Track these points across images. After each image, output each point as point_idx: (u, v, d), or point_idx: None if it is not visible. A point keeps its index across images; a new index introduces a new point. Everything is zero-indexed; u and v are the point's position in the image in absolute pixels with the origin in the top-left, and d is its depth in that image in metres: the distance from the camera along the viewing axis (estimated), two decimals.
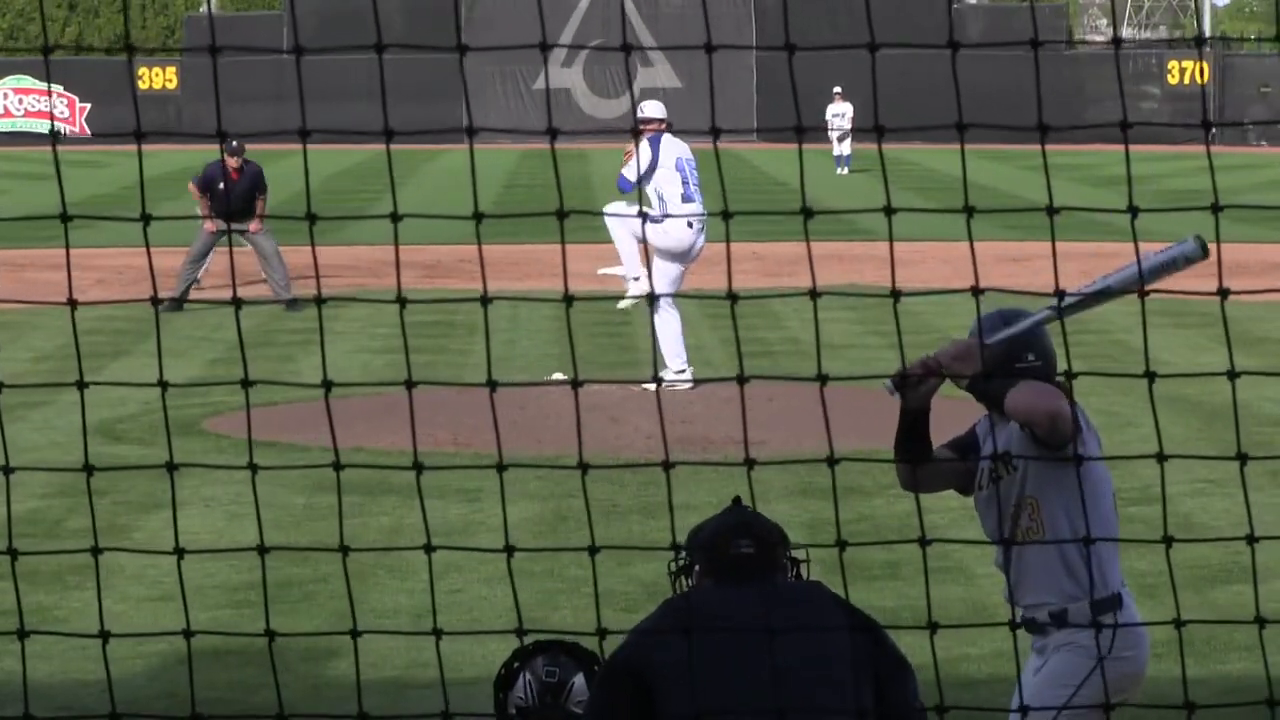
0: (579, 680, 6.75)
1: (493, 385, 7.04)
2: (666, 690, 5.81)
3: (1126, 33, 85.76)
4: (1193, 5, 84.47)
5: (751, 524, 6.11)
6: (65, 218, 5.72)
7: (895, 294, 5.96)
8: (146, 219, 6.41)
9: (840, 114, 56.54)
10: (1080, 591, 7.77)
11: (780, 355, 21.14)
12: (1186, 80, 69.78)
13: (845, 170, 56.26)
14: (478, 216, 5.92)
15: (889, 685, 5.88)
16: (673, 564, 6.53)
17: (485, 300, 5.98)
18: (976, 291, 5.90)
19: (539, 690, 6.76)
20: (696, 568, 6.11)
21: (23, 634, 5.78)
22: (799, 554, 6.12)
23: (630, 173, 20.43)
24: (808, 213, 5.98)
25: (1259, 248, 28.08)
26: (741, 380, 5.99)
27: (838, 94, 56.66)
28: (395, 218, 5.85)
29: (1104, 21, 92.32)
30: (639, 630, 6.12)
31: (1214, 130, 61.34)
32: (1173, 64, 68.33)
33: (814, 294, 5.87)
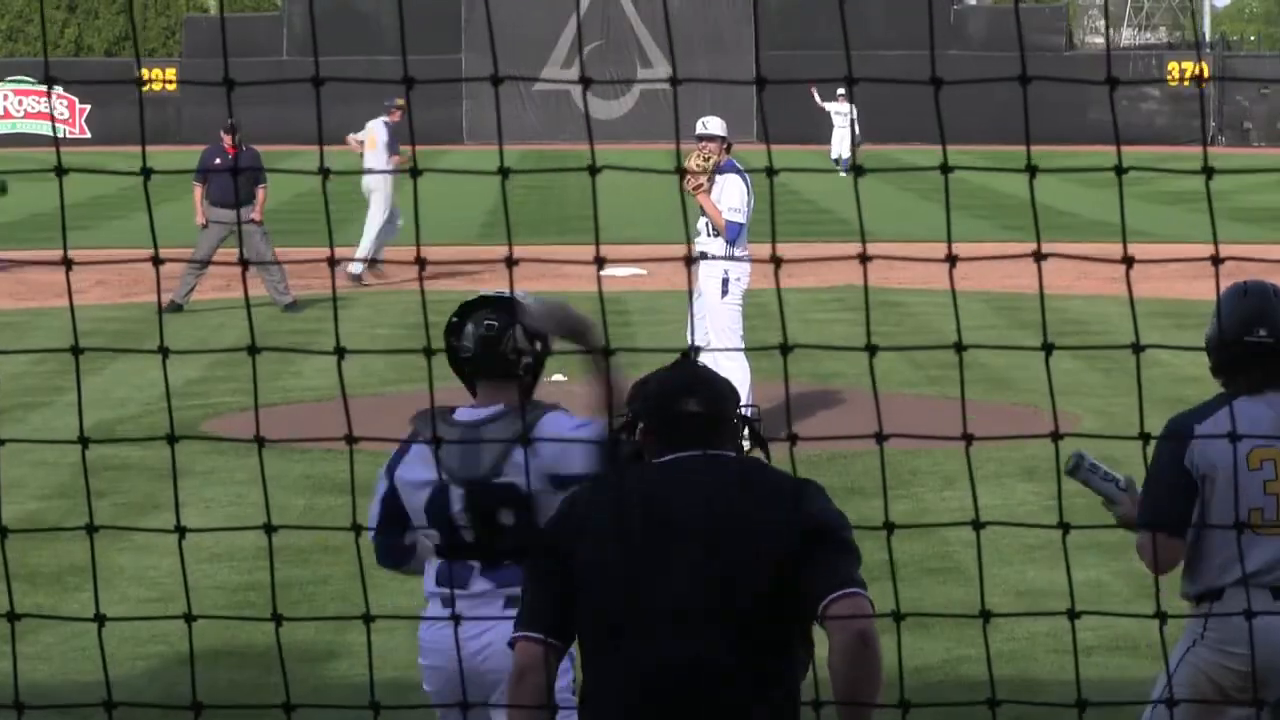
0: (516, 330, 7.46)
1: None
2: (574, 557, 5.71)
3: (1126, 34, 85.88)
4: (1192, 6, 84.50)
5: (700, 380, 5.95)
6: (64, 222, 5.71)
7: (959, 347, 5.96)
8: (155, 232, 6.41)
9: (842, 113, 56.55)
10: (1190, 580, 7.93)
11: (779, 356, 21.07)
12: (1181, 81, 69.86)
13: (844, 171, 56.51)
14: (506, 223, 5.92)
15: (814, 569, 5.59)
16: (619, 416, 6.39)
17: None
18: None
19: (479, 339, 7.50)
20: (640, 425, 5.92)
21: (13, 617, 5.78)
22: (749, 410, 5.92)
23: (737, 212, 18.53)
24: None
25: (1268, 248, 28.11)
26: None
27: (840, 95, 56.77)
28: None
29: (1104, 22, 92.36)
30: (561, 514, 6.00)
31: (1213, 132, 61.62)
32: (1172, 65, 68.42)
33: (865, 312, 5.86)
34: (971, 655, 9.67)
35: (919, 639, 6.97)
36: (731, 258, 18.37)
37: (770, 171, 5.30)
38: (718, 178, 18.62)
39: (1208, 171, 5.31)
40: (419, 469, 7.38)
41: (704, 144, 18.96)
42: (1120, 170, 5.39)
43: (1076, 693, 5.26)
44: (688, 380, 5.92)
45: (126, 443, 15.70)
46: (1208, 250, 6.40)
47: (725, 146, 19.01)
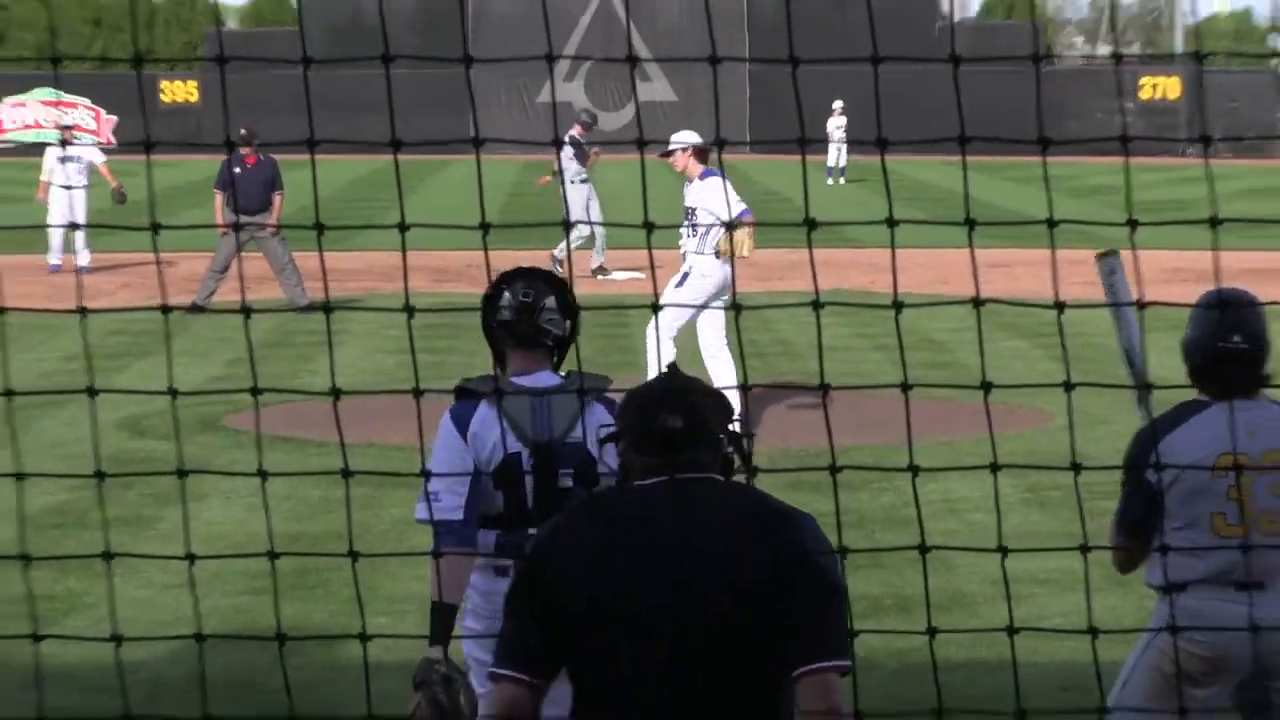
0: (549, 300, 7.70)
1: (500, 391, 7.22)
2: (556, 588, 5.42)
3: (1102, 50, 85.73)
4: (1166, 22, 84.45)
5: (682, 394, 5.62)
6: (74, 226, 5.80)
7: (897, 305, 5.94)
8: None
9: (839, 126, 57.00)
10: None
11: (771, 357, 21.26)
12: (1158, 95, 69.92)
13: (840, 180, 56.59)
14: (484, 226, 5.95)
15: (798, 621, 5.31)
16: (602, 429, 6.35)
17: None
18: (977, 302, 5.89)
19: (517, 307, 7.65)
20: (622, 440, 5.66)
21: (108, 555, 5.84)
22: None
23: (736, 203, 19.43)
24: (811, 223, 5.98)
25: (1242, 255, 28.12)
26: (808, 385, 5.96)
27: (837, 108, 57.09)
28: (403, 226, 5.88)
29: (1080, 39, 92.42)
30: (541, 541, 5.75)
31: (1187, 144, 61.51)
32: (1145, 80, 68.46)
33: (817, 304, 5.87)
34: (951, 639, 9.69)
35: (901, 622, 7.00)
36: (700, 253, 18.92)
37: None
38: (698, 183, 19.38)
39: (1192, 177, 5.35)
40: (491, 429, 7.37)
41: (674, 157, 19.59)
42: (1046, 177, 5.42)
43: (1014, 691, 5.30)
44: (670, 394, 5.65)
45: (152, 437, 15.78)
46: (1176, 257, 6.47)
47: (700, 155, 19.50)
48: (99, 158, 35.09)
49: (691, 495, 5.51)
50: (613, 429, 5.82)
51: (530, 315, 7.70)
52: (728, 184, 17.92)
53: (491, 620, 6.93)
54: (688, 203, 19.54)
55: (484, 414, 7.39)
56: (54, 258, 33.02)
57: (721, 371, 18.80)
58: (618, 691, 5.47)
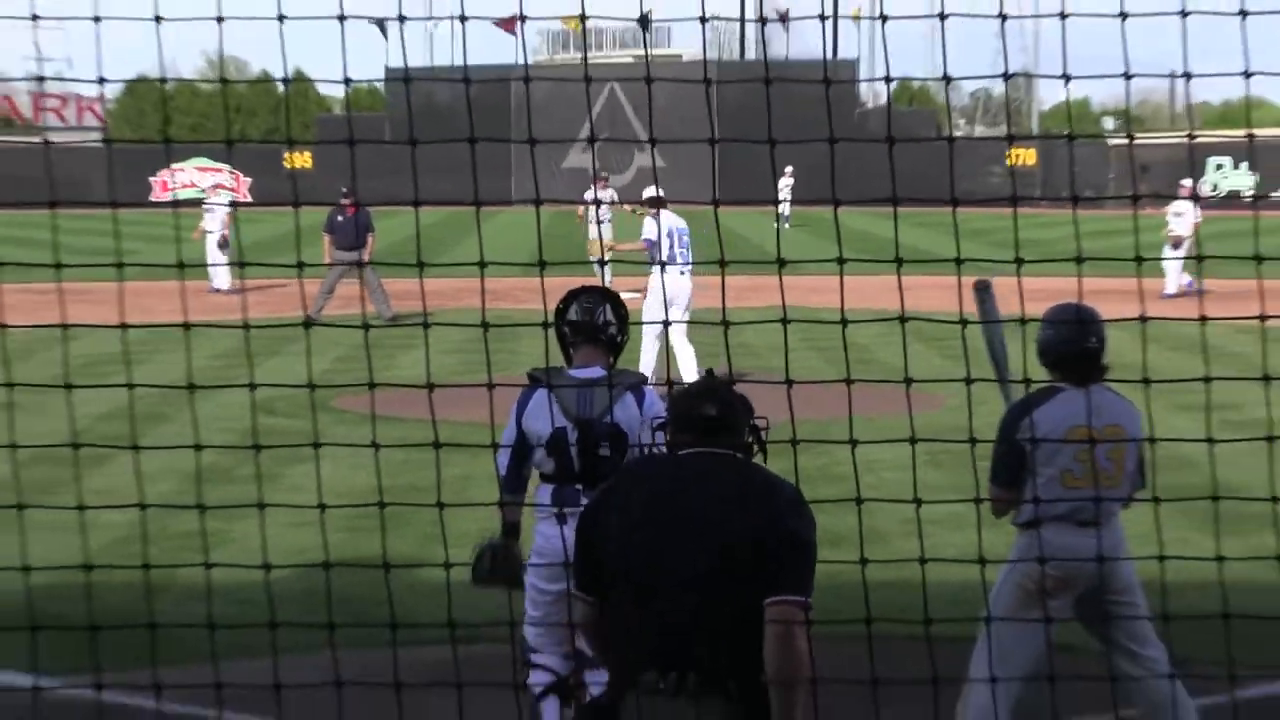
0: (606, 309, 7.89)
1: (550, 384, 7.23)
2: (607, 543, 5.52)
3: (979, 129, 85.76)
4: (1024, 108, 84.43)
5: (717, 391, 5.72)
6: (242, 264, 5.82)
7: (843, 320, 5.92)
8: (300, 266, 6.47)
9: (786, 185, 57.44)
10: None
11: (736, 356, 21.15)
12: (1020, 162, 69.90)
13: (786, 225, 56.62)
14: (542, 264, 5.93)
15: (774, 569, 5.34)
16: (653, 421, 6.42)
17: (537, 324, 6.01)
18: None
19: (581, 313, 7.86)
20: (669, 423, 5.74)
21: (261, 506, 5.83)
22: (760, 422, 5.72)
23: (650, 234, 20.84)
24: (781, 262, 5.96)
25: (1087, 280, 27.96)
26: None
27: (787, 171, 57.48)
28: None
29: (962, 120, 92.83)
30: (599, 497, 5.87)
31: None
32: (1010, 151, 68.53)
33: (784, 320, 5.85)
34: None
35: (834, 554, 6.96)
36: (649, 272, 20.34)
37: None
38: (648, 220, 21.01)
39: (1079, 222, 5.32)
40: (546, 409, 7.49)
41: (641, 205, 21.96)
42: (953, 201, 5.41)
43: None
44: (708, 390, 5.76)
45: (278, 415, 15.72)
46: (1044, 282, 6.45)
47: (656, 203, 20.39)
48: (223, 210, 35.41)
49: (714, 467, 5.57)
50: (663, 419, 5.86)
51: (591, 319, 7.86)
52: (658, 221, 19.81)
53: (551, 558, 7.04)
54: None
55: (539, 398, 7.59)
56: (213, 283, 33.35)
57: (685, 363, 19.60)
58: (641, 615, 5.46)
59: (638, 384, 7.77)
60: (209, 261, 33.24)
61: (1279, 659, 7.88)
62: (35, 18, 6.71)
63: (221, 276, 33.33)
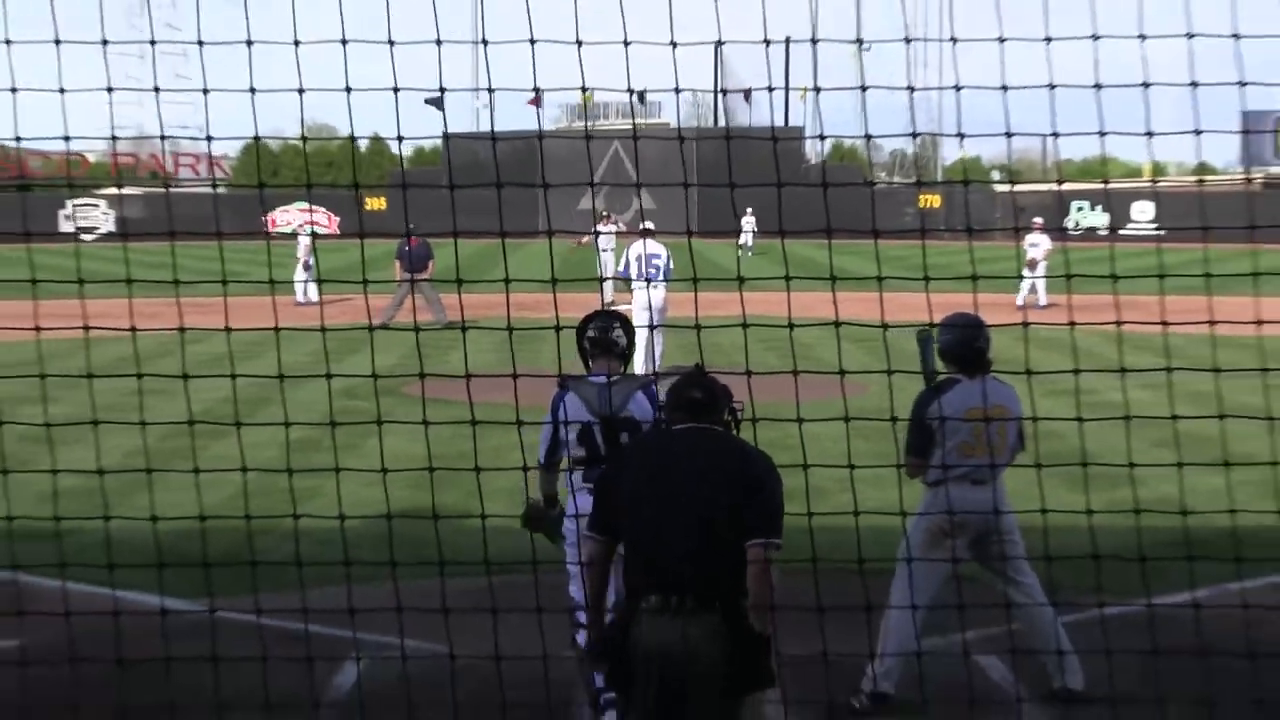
0: (617, 327, 7.65)
1: (564, 378, 7.27)
2: (619, 495, 5.55)
3: (896, 179, 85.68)
4: (930, 163, 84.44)
5: (702, 380, 5.72)
6: (321, 280, 5.77)
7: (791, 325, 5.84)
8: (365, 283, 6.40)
9: (749, 222, 57.50)
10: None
11: (707, 353, 21.18)
12: (926, 205, 69.71)
13: (749, 254, 56.52)
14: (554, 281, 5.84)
15: (750, 517, 5.36)
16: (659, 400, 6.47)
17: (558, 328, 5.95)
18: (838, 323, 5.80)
19: (598, 331, 7.61)
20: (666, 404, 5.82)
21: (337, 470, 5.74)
22: (736, 404, 5.85)
23: (622, 265, 21.89)
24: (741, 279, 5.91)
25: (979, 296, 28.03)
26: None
27: (749, 211, 57.52)
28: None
29: (883, 173, 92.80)
30: (608, 466, 5.96)
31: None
32: (919, 196, 68.43)
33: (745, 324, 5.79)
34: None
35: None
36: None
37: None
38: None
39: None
40: (576, 408, 7.36)
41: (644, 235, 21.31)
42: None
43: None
44: (693, 380, 5.74)
45: (358, 398, 15.58)
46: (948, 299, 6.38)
47: (646, 234, 21.17)
48: (306, 241, 35.73)
49: (702, 438, 5.59)
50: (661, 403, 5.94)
51: (606, 335, 7.62)
52: (628, 253, 21.46)
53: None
54: None
55: (571, 397, 7.46)
56: (297, 297, 33.53)
57: (657, 349, 20.34)
58: (648, 552, 5.47)
59: (646, 384, 7.67)
60: (295, 279, 33.60)
61: (1127, 587, 7.79)
62: (156, 89, 6.61)
63: (303, 292, 33.52)
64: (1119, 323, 6.63)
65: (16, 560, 8.18)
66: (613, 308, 8.44)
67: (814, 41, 22.44)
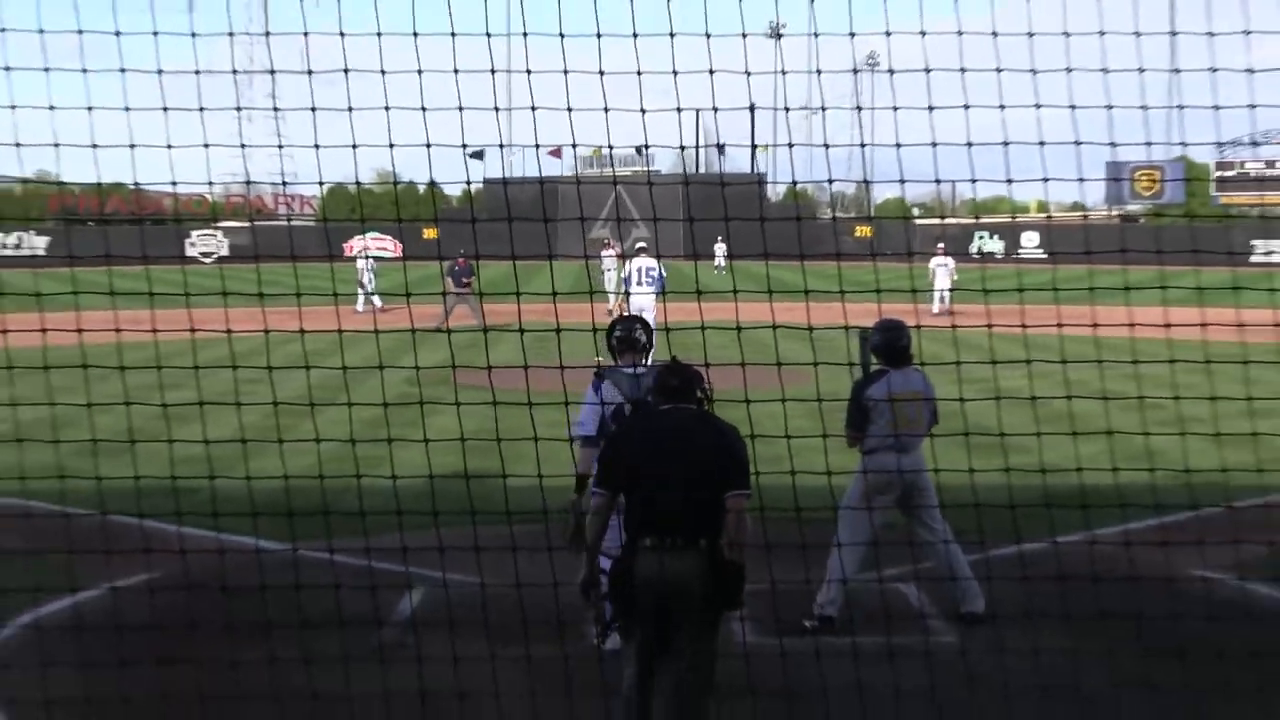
0: (639, 328, 7.39)
1: (601, 368, 7.16)
2: (621, 459, 5.53)
3: (839, 214, 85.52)
4: (864, 201, 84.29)
5: (680, 370, 5.71)
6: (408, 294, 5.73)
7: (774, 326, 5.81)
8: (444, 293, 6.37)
9: (722, 251, 57.25)
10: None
11: (686, 349, 21.17)
12: (859, 234, 69.44)
13: (723, 272, 56.46)
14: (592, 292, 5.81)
15: (726, 475, 5.38)
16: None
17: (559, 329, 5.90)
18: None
19: (624, 330, 7.36)
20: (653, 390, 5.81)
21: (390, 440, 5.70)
22: (709, 387, 5.80)
23: (625, 276, 22.15)
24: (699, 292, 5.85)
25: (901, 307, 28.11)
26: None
27: (720, 239, 57.24)
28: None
29: (828, 209, 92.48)
30: (617, 429, 5.93)
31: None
32: (857, 228, 68.25)
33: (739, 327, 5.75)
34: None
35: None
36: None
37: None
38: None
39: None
40: (610, 392, 7.22)
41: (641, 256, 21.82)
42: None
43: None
44: (674, 368, 5.74)
45: (418, 386, 15.47)
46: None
47: (641, 252, 21.89)
48: (365, 263, 35.22)
49: (680, 416, 5.59)
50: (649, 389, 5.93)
51: (630, 334, 7.43)
52: (643, 261, 21.64)
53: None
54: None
55: (607, 384, 7.34)
56: (357, 307, 33.74)
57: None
58: (645, 503, 5.45)
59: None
60: (358, 293, 33.60)
61: (1008, 532, 7.78)
62: (243, 146, 6.60)
63: (361, 302, 33.78)
64: (1024, 326, 6.63)
65: (142, 510, 8.16)
66: (635, 314, 8.37)
67: (776, 109, 22.68)
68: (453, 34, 5.70)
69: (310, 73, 6.04)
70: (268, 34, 26.21)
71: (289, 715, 5.92)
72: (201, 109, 6.05)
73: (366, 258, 37.08)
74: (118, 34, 5.48)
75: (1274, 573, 8.18)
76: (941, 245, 34.35)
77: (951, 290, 31.63)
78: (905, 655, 6.69)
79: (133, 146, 5.60)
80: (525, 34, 5.82)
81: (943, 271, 32.78)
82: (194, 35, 6.03)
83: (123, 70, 5.57)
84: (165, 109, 5.69)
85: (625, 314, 7.99)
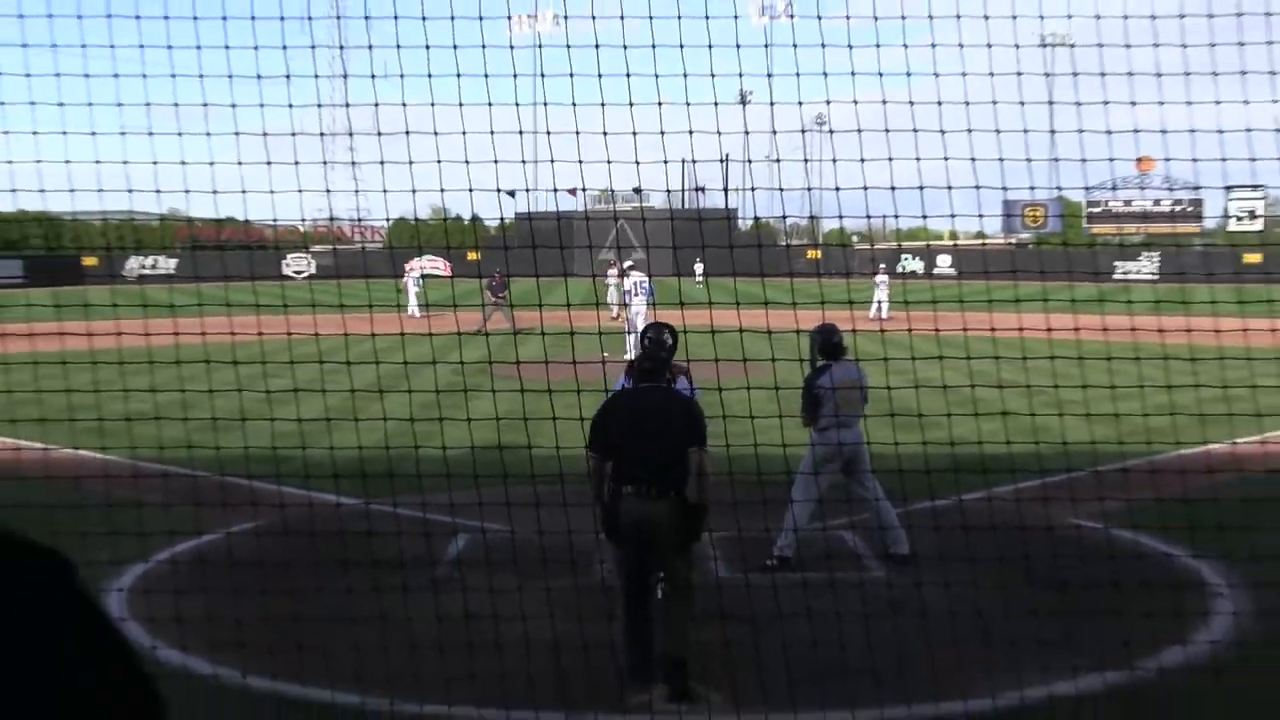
0: (666, 331, 6.45)
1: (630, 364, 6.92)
2: (609, 428, 5.49)
3: (794, 241, 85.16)
4: (814, 230, 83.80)
5: (653, 356, 5.71)
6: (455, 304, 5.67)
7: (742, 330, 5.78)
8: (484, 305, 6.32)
9: (700, 267, 56.67)
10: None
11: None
12: (809, 257, 69.11)
13: (701, 284, 56.11)
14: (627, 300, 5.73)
15: (687, 435, 5.37)
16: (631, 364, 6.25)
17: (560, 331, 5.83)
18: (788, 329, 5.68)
19: (653, 336, 6.43)
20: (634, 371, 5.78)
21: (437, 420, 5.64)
22: (685, 364, 5.81)
23: (625, 288, 22.02)
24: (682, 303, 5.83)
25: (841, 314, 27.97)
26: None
27: (699, 259, 56.70)
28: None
29: (784, 237, 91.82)
30: (606, 404, 5.72)
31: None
32: (809, 252, 67.98)
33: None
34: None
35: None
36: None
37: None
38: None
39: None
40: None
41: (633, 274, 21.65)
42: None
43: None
44: (648, 355, 5.72)
45: (463, 375, 15.30)
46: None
47: (639, 267, 21.69)
48: (412, 278, 35.28)
49: (655, 392, 5.56)
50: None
51: (660, 338, 6.55)
52: (631, 278, 21.41)
53: None
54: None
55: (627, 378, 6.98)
56: (414, 313, 33.31)
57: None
58: (630, 460, 5.40)
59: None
60: (408, 303, 32.73)
61: (924, 491, 7.76)
62: (328, 190, 6.56)
63: (412, 310, 33.42)
64: (937, 330, 6.59)
65: (251, 473, 8.13)
66: (659, 321, 8.04)
67: (745, 161, 22.65)
68: (489, 104, 5.69)
69: (380, 134, 6.06)
70: (348, 104, 26.14)
71: (362, 633, 5.92)
72: (296, 162, 6.06)
73: (419, 277, 36.71)
74: (233, 106, 5.57)
75: (1131, 521, 8.17)
76: (883, 265, 34.50)
77: (888, 301, 31.64)
78: (844, 587, 6.71)
79: (244, 192, 5.64)
80: (545, 104, 5.80)
81: (881, 286, 32.80)
82: (290, 106, 6.04)
83: (236, 134, 5.65)
84: (269, 162, 5.72)
85: (658, 321, 7.66)
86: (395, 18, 5.61)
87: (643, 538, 5.38)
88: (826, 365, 7.87)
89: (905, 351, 9.11)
